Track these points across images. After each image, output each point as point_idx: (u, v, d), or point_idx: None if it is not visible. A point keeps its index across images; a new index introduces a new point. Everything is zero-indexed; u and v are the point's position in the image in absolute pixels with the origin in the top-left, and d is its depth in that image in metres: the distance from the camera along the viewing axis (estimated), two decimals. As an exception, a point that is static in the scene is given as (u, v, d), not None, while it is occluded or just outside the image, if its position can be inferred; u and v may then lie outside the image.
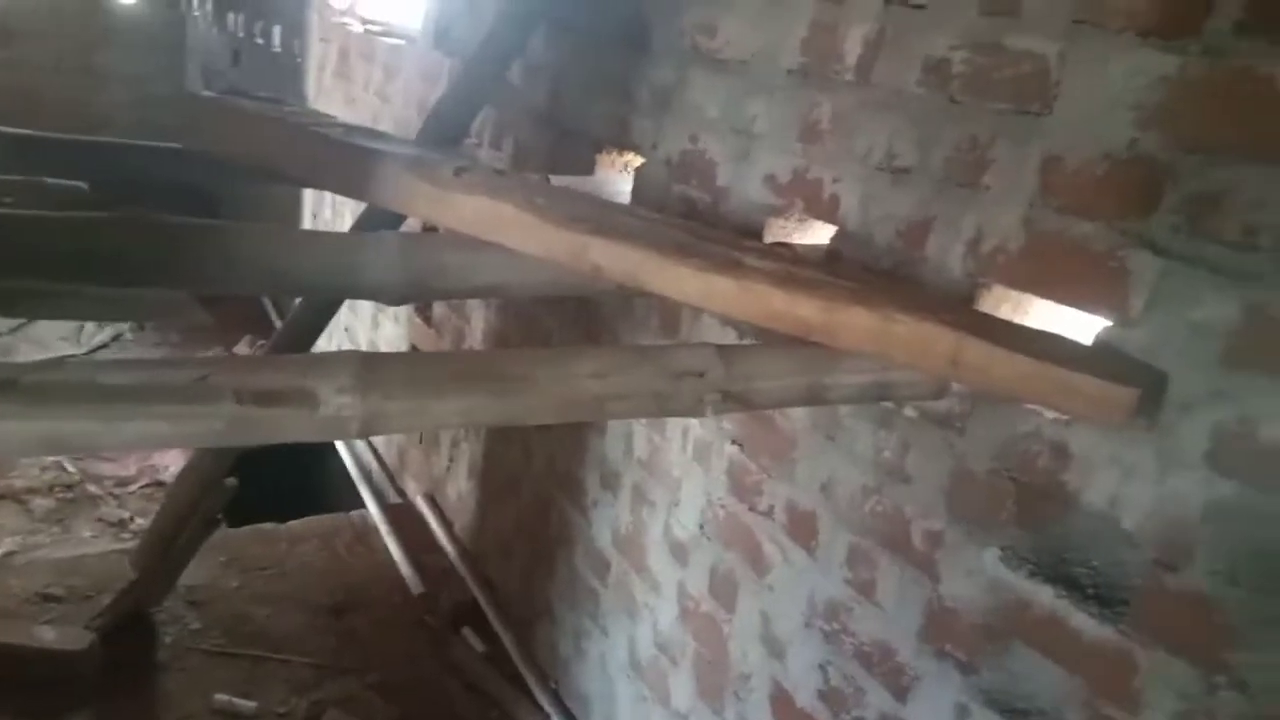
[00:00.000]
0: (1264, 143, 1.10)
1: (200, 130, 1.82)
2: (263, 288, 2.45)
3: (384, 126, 4.19)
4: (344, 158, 1.65)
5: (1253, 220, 1.11)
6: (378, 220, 2.23)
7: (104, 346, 5.32)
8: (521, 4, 2.71)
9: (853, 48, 1.68)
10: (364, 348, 4.58)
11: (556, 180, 2.40)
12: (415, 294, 1.57)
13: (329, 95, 5.02)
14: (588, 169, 2.57)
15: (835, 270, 1.67)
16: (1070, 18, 1.31)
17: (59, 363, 0.95)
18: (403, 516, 3.70)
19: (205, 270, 1.33)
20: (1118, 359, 1.23)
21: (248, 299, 5.92)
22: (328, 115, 2.17)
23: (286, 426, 1.02)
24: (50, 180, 1.69)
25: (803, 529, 1.83)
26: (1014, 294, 1.42)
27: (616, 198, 2.42)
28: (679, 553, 2.22)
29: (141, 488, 4.14)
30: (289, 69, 5.71)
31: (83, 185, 1.71)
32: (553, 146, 2.76)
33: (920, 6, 1.54)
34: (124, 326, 5.50)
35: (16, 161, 1.97)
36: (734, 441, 2.02)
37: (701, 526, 2.13)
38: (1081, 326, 1.33)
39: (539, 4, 2.69)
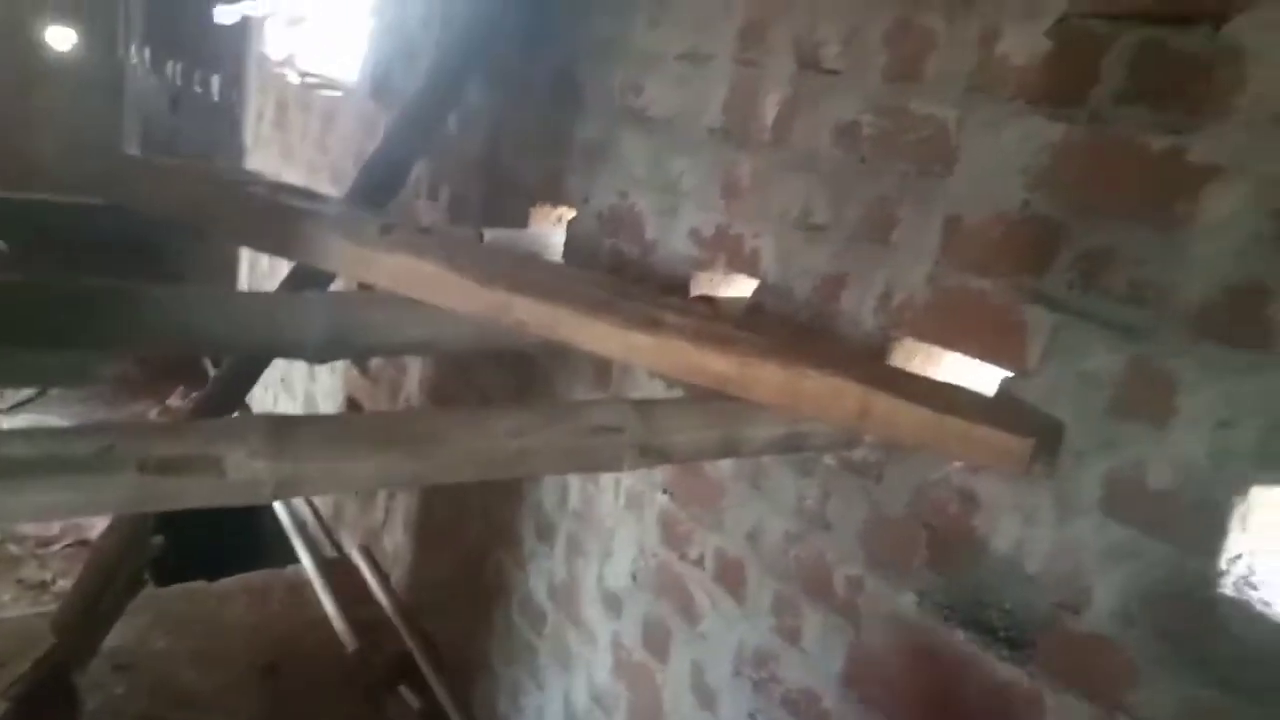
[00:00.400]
0: (1144, 205, 1.16)
1: (128, 188, 1.81)
2: (182, 348, 2.42)
3: (322, 177, 4.18)
4: (269, 217, 1.65)
5: (1137, 277, 1.17)
6: (309, 275, 2.23)
7: (30, 401, 5.18)
8: (457, 57, 2.75)
9: (770, 110, 1.74)
10: (300, 399, 4.53)
11: (491, 233, 2.42)
12: (338, 351, 1.57)
13: (267, 145, 5.00)
14: (522, 221, 2.60)
15: (754, 324, 1.71)
16: (966, 85, 1.38)
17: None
18: (338, 570, 3.64)
19: (120, 332, 1.31)
20: (1018, 409, 1.28)
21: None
22: (257, 173, 2.17)
23: (194, 493, 1.01)
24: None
25: (731, 577, 1.84)
26: (924, 346, 1.47)
27: (549, 250, 2.45)
28: (613, 603, 2.22)
29: (65, 547, 4.01)
30: (227, 119, 5.69)
31: (2, 245, 1.69)
32: (488, 198, 2.78)
33: (833, 72, 1.61)
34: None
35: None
36: (665, 490, 2.04)
37: (634, 576, 2.14)
38: (990, 377, 1.39)
39: (474, 58, 2.73)
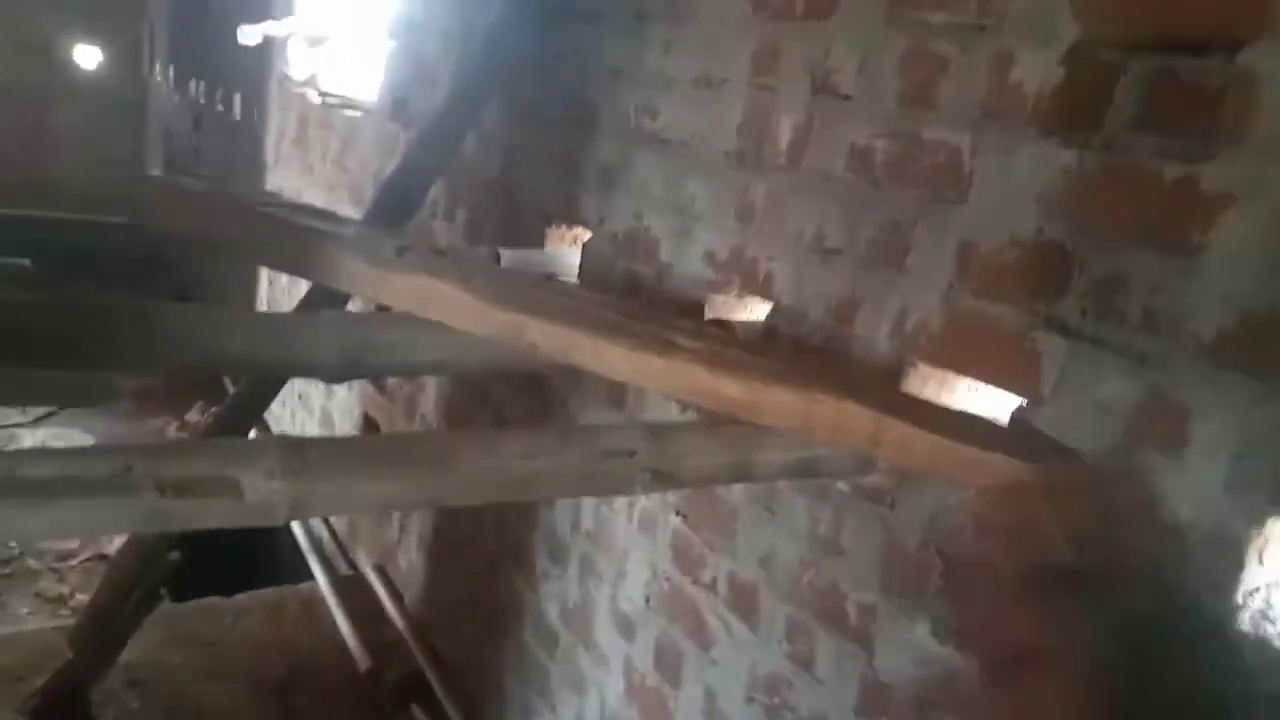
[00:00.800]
0: (1157, 232, 1.16)
1: (150, 207, 1.84)
2: (200, 367, 2.45)
3: (341, 195, 4.23)
4: (287, 236, 1.67)
5: (1151, 304, 1.17)
6: (326, 294, 2.25)
7: (51, 414, 5.23)
8: (475, 80, 2.78)
9: (784, 133, 1.74)
10: (317, 415, 4.55)
11: (506, 253, 2.44)
12: (353, 372, 1.58)
13: (287, 163, 5.06)
14: (538, 242, 2.61)
15: (768, 347, 1.71)
16: (979, 111, 1.38)
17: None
18: (352, 588, 3.64)
19: (139, 351, 1.33)
20: (1032, 437, 1.27)
21: (202, 365, 5.88)
22: (276, 194, 2.19)
23: (211, 515, 1.02)
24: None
25: (744, 602, 1.84)
26: (938, 371, 1.46)
27: (565, 271, 2.46)
28: (625, 626, 2.21)
29: (83, 561, 4.04)
30: (249, 137, 5.76)
31: (25, 263, 1.72)
32: (504, 219, 2.80)
33: (846, 97, 1.62)
34: (70, 394, 5.41)
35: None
36: (678, 513, 2.04)
37: (647, 599, 2.13)
38: (1004, 404, 1.38)
39: (492, 81, 2.76)
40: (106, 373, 1.70)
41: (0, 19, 8.16)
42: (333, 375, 1.51)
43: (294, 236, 1.66)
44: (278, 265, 1.79)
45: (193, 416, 5.46)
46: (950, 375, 1.46)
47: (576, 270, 2.42)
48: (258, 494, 1.04)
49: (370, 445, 1.26)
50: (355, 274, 1.58)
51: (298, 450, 1.10)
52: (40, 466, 0.97)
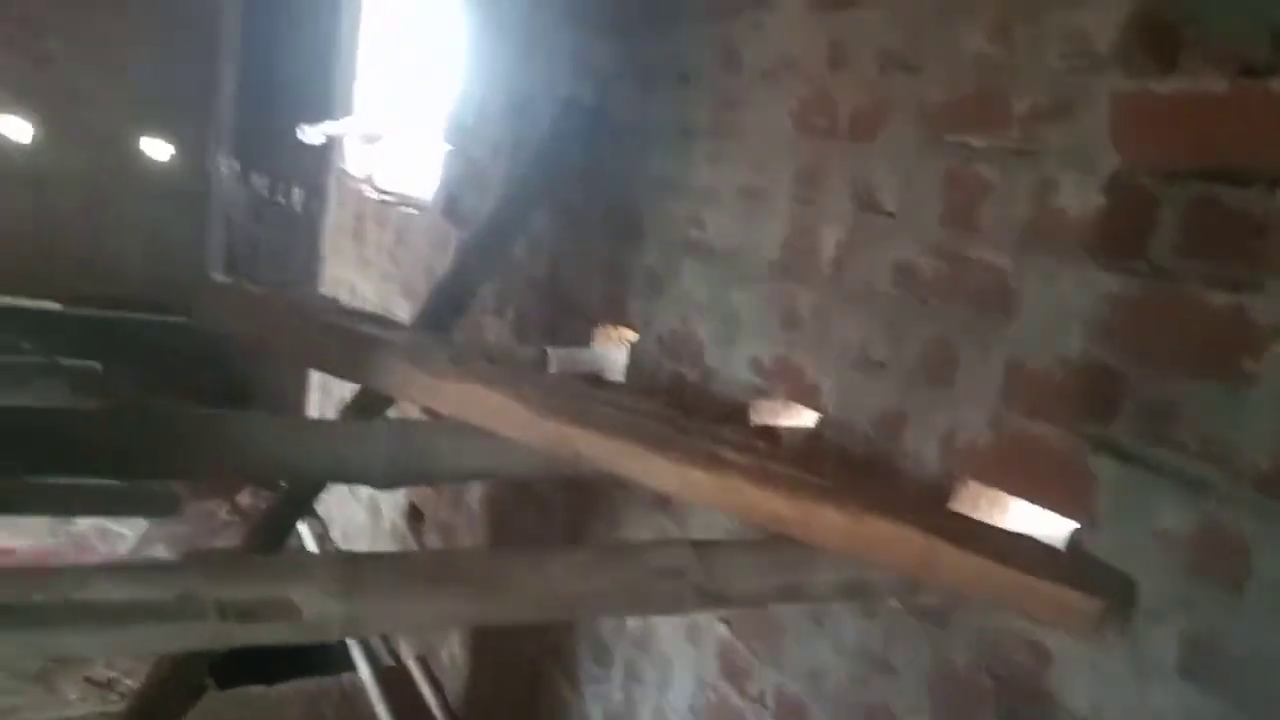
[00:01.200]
0: (1206, 361, 1.16)
1: (210, 309, 1.91)
2: (254, 475, 2.50)
3: (393, 287, 4.35)
4: (344, 344, 1.73)
5: (1204, 433, 1.16)
6: (373, 395, 2.31)
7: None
8: (524, 185, 2.88)
9: (828, 247, 1.78)
10: (365, 502, 4.60)
11: (554, 351, 2.49)
12: (404, 479, 1.62)
13: (343, 255, 5.22)
14: (584, 341, 2.66)
15: (814, 460, 1.72)
16: (1022, 233, 1.40)
17: (55, 580, 0.99)
18: (394, 680, 3.62)
19: (198, 460, 1.38)
20: (1088, 563, 1.25)
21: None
22: (334, 300, 2.27)
23: (269, 634, 1.05)
24: (65, 361, 1.77)
25: (793, 718, 1.80)
26: (989, 490, 1.45)
27: (611, 369, 2.50)
28: (669, 734, 2.17)
29: (131, 647, 4.07)
30: (307, 229, 5.97)
31: (96, 365, 1.79)
32: (552, 318, 2.86)
33: (889, 214, 1.65)
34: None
35: (37, 338, 2.06)
36: (724, 621, 2.02)
37: (693, 710, 2.10)
38: (1059, 526, 1.36)
39: (542, 188, 2.85)
40: (166, 481, 1.75)
41: (76, 112, 8.61)
42: (383, 483, 1.54)
43: (351, 344, 1.71)
44: (334, 371, 1.85)
45: (244, 500, 5.54)
46: (1001, 494, 1.45)
47: (622, 371, 2.45)
48: (314, 614, 1.06)
49: (421, 563, 1.28)
50: (410, 382, 1.62)
51: (352, 569, 1.12)
52: (103, 588, 1.00)
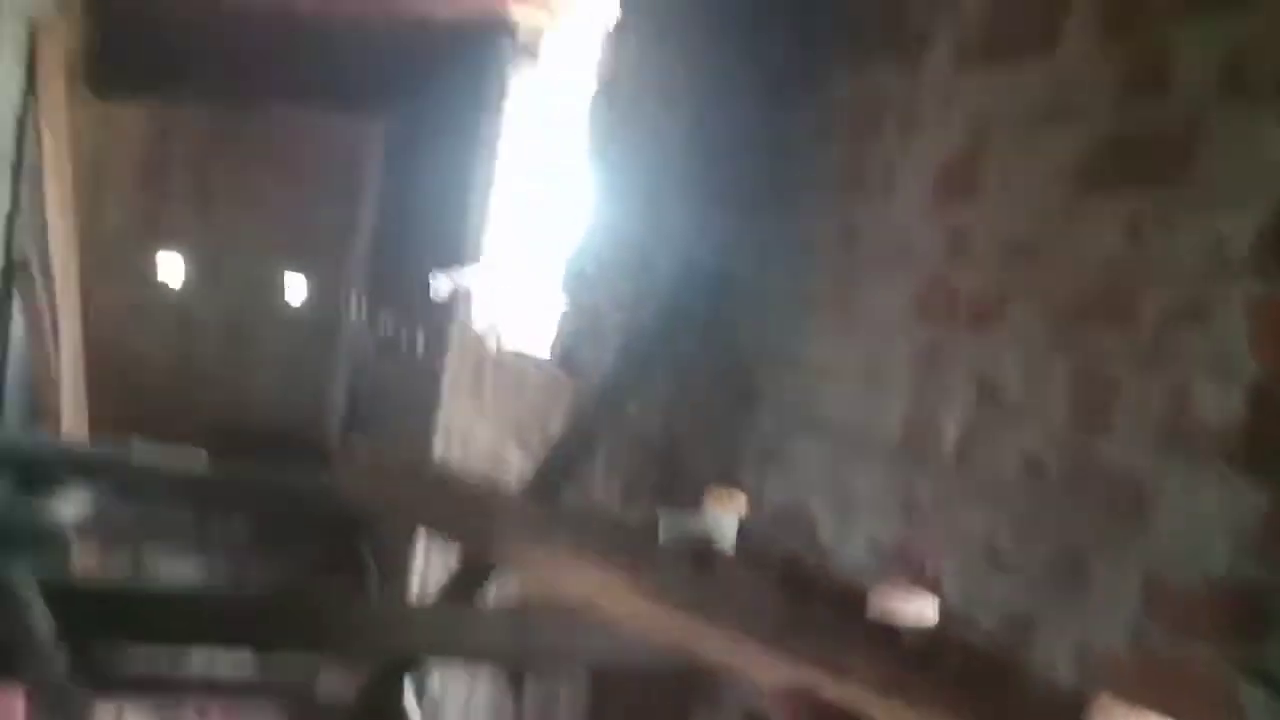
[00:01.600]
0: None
1: (352, 476, 2.01)
2: (377, 655, 2.55)
3: (508, 435, 4.47)
4: (473, 517, 1.79)
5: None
6: (473, 570, 2.34)
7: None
8: (643, 344, 2.96)
9: (950, 432, 1.76)
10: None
11: (665, 516, 2.49)
12: (521, 665, 1.63)
13: (461, 401, 5.42)
14: (695, 505, 2.66)
15: (939, 661, 1.65)
16: (1158, 437, 1.37)
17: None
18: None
19: (335, 642, 1.43)
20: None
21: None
22: (463, 469, 2.36)
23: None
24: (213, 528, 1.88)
25: None
26: (1127, 708, 1.37)
27: (722, 539, 2.49)
28: None
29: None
30: (427, 372, 6.24)
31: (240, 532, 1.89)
32: (662, 480, 2.88)
33: (1014, 405, 1.63)
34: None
35: (183, 495, 2.19)
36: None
37: None
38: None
39: (659, 346, 2.93)
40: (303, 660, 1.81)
41: (226, 253, 9.34)
42: (503, 666, 1.56)
43: (480, 517, 1.77)
44: (463, 543, 1.91)
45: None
46: (1141, 712, 1.36)
47: (733, 541, 2.44)
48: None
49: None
50: (533, 561, 1.66)
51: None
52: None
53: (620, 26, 3.73)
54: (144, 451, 2.36)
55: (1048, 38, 1.65)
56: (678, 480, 2.79)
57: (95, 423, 5.03)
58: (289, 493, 2.23)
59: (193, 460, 2.24)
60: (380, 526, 6.15)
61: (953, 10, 1.91)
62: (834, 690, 1.31)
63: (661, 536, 2.44)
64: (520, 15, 4.84)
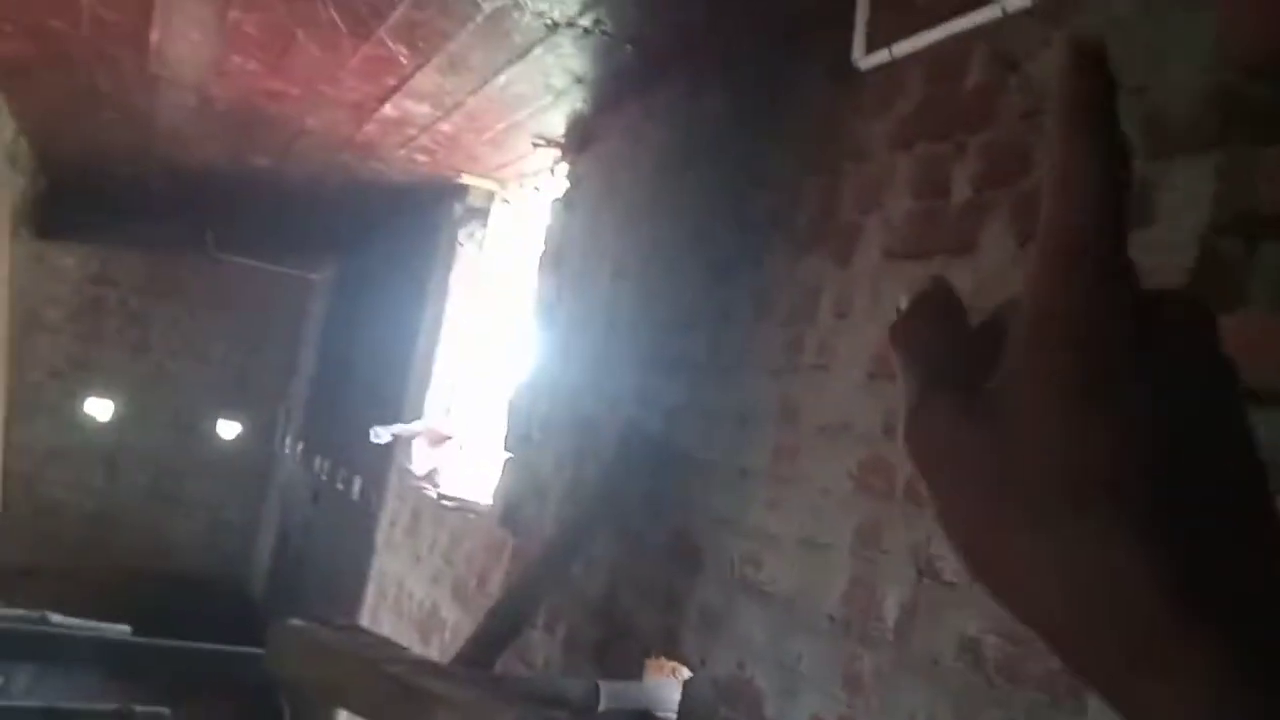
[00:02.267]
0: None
1: (283, 654, 1.95)
2: None
3: (444, 588, 4.36)
4: (405, 698, 1.74)
5: None
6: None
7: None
8: (586, 507, 2.97)
9: (890, 610, 1.79)
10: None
11: (606, 685, 2.44)
12: None
13: (396, 550, 5.29)
14: (636, 668, 2.62)
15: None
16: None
17: None
18: None
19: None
20: None
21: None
22: (399, 647, 2.31)
23: None
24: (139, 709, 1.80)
25: None
26: None
27: (664, 708, 2.44)
28: None
29: None
30: (363, 517, 6.10)
31: (166, 712, 1.81)
32: (603, 642, 2.84)
33: (950, 584, 1.68)
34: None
35: (108, 666, 2.09)
36: None
37: None
38: None
39: (602, 510, 2.94)
40: None
41: (156, 395, 9.17)
42: None
43: (414, 700, 1.72)
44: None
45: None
46: None
47: (675, 711, 2.39)
48: None
49: None
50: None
51: None
52: None
53: (568, 199, 3.91)
54: (60, 624, 2.26)
55: (966, 245, 1.80)
56: (619, 642, 2.75)
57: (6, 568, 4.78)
58: (213, 660, 2.14)
59: (115, 633, 2.14)
60: (303, 699, 5.86)
61: (880, 211, 2.06)
62: None
63: (603, 707, 2.39)
64: (471, 180, 5.05)
